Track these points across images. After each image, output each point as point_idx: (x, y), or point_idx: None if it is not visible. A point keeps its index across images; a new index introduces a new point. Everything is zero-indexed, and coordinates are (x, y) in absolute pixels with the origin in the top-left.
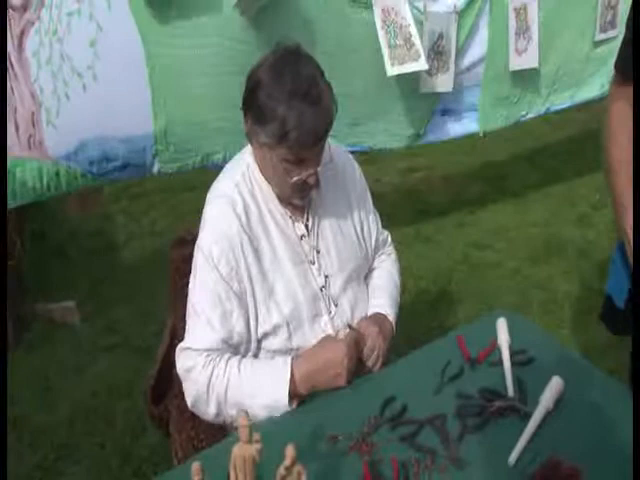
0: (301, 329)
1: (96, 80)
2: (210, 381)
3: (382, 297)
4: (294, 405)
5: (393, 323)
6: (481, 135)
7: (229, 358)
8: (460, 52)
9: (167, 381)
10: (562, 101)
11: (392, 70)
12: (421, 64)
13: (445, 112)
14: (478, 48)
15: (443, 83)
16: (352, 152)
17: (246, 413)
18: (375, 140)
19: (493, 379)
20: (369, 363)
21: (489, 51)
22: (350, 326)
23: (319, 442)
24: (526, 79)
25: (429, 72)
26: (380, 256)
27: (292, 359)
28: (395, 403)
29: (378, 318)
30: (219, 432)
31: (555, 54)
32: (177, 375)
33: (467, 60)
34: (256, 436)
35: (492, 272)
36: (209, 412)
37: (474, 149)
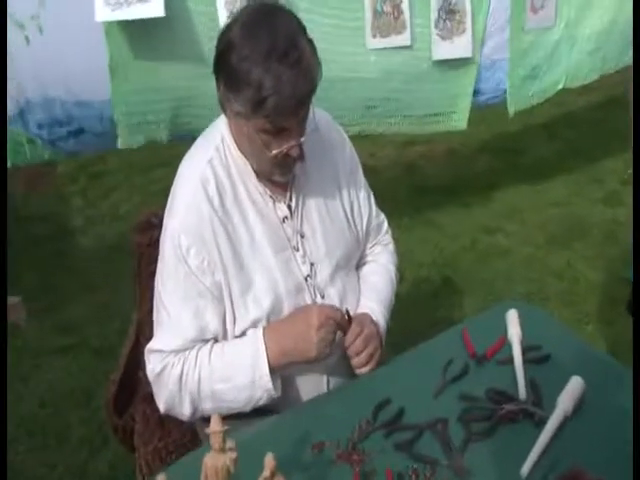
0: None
1: (42, 32)
2: (181, 379)
3: (374, 301)
4: (277, 385)
5: (383, 334)
6: (511, 115)
7: (199, 349)
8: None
9: (132, 387)
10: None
11: (372, 43)
12: (404, 38)
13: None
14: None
15: (460, 47)
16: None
17: (219, 417)
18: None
19: (502, 379)
20: (359, 362)
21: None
22: (347, 310)
23: (303, 450)
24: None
25: (441, 35)
26: (375, 247)
27: (263, 330)
28: (390, 406)
29: (373, 320)
30: (192, 442)
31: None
32: (143, 378)
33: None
34: (230, 443)
35: (503, 259)
36: (185, 412)
37: (483, 119)
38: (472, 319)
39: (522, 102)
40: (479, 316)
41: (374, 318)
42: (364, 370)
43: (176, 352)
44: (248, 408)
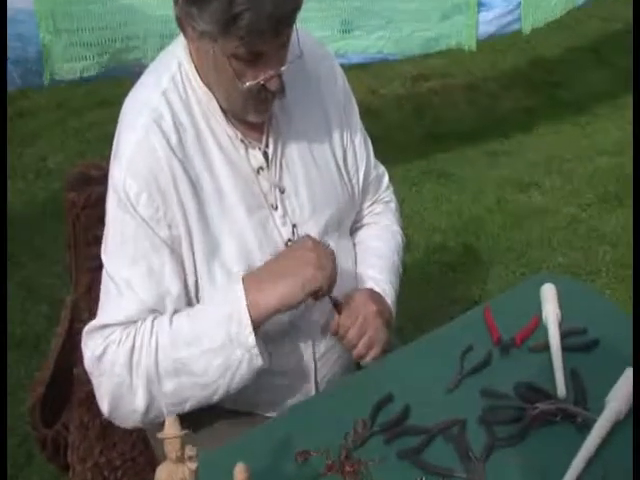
0: None
1: None
2: (132, 355)
3: (377, 268)
4: (262, 348)
5: (392, 309)
6: (525, 33)
7: (155, 318)
8: None
9: (65, 388)
10: None
11: None
12: None
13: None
14: None
15: None
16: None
17: (176, 418)
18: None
19: (535, 370)
20: (357, 351)
21: None
22: (335, 301)
23: (283, 461)
24: None
25: None
26: (374, 205)
27: (243, 276)
28: (392, 404)
29: (375, 295)
30: (143, 455)
31: None
32: (79, 377)
33: None
34: (190, 451)
35: (539, 222)
36: (138, 404)
37: (512, 44)
38: (498, 297)
39: (541, 14)
40: (506, 293)
41: (378, 289)
42: (368, 359)
43: (125, 325)
44: (224, 388)
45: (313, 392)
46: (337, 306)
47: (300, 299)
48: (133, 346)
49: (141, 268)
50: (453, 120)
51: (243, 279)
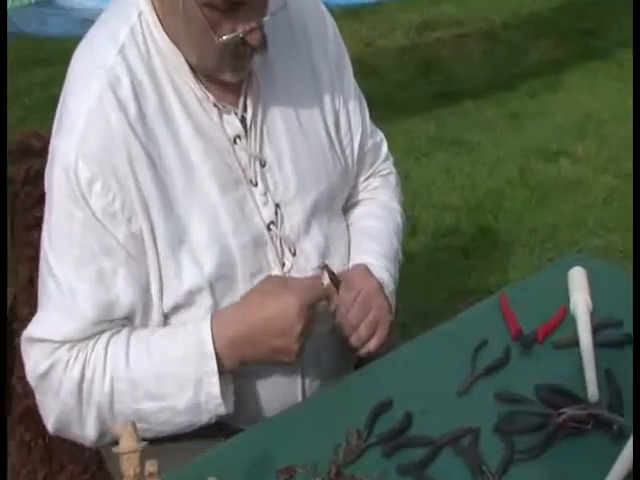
0: (234, 294)
1: None
2: (81, 386)
3: (372, 253)
4: (230, 399)
5: (392, 298)
6: None
7: (109, 340)
8: None
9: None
10: None
11: None
12: None
13: None
14: None
15: None
16: None
17: (133, 424)
18: None
19: (562, 370)
20: (360, 335)
21: None
22: (326, 267)
23: (264, 477)
24: None
25: None
26: (371, 179)
27: (211, 316)
28: (392, 411)
29: (369, 277)
30: (95, 477)
31: None
32: (19, 387)
33: None
34: (150, 467)
35: (569, 196)
36: (88, 435)
37: None
38: (517, 283)
39: None
40: (527, 278)
41: (376, 276)
42: (371, 347)
43: (71, 343)
44: (189, 430)
45: (299, 398)
46: (334, 278)
47: (291, 361)
48: (82, 376)
49: (89, 273)
50: (467, 77)
51: (214, 336)
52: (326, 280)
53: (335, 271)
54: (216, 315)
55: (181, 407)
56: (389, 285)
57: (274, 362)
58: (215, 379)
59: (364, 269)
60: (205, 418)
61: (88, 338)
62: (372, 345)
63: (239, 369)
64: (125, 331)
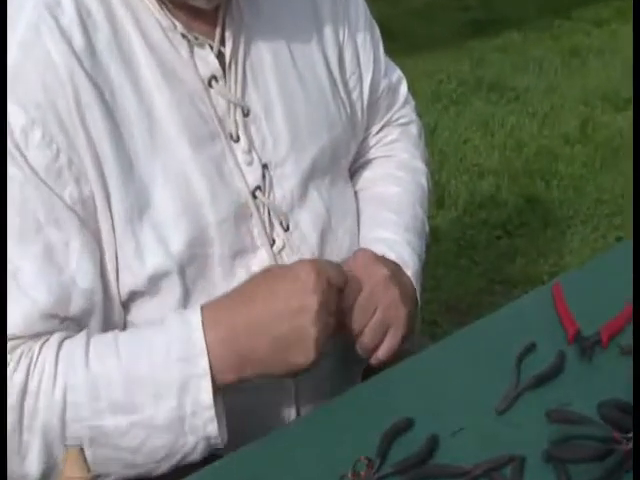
0: (209, 280)
1: None
2: (24, 400)
3: (391, 226)
4: (223, 423)
5: (416, 281)
6: None
7: (63, 339)
8: None
9: None
10: None
11: None
12: None
13: None
14: None
15: None
16: None
17: (81, 449)
18: None
19: (630, 383)
20: (364, 343)
21: None
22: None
23: None
24: None
25: None
26: (386, 130)
27: (202, 309)
28: (413, 433)
29: (383, 258)
30: None
31: None
32: None
33: None
34: None
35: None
36: (29, 470)
37: None
38: (574, 272)
39: None
40: (587, 265)
41: (392, 255)
42: (381, 355)
43: (14, 341)
44: (164, 469)
45: (293, 416)
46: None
47: (307, 363)
48: (26, 387)
49: (34, 249)
50: (511, 0)
51: (204, 316)
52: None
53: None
54: (207, 304)
55: (159, 421)
56: (412, 264)
57: (285, 367)
58: (206, 383)
59: (369, 256)
60: (190, 441)
61: (35, 337)
62: (382, 353)
63: (235, 380)
64: (83, 333)
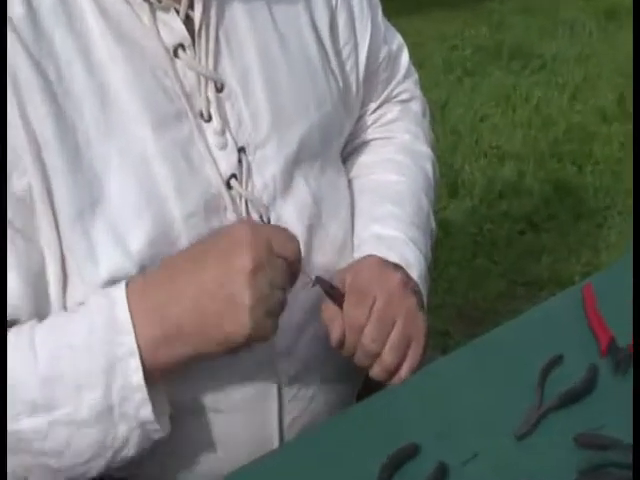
0: None
1: None
2: None
3: (390, 221)
4: (164, 410)
5: (423, 286)
6: None
7: None
8: None
9: None
10: None
11: None
12: None
13: None
14: None
15: None
16: None
17: None
18: None
19: None
20: (385, 363)
21: None
22: (319, 281)
23: None
24: None
25: None
26: (384, 107)
27: (127, 284)
28: (419, 460)
29: (397, 267)
30: None
31: None
32: None
33: None
34: None
35: None
36: None
37: None
38: (609, 270)
39: None
40: (623, 264)
41: (394, 256)
42: (404, 374)
43: None
44: (96, 470)
45: (275, 441)
46: (333, 293)
47: (242, 336)
48: None
49: None
50: None
51: (129, 291)
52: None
53: (329, 271)
54: (133, 278)
55: (83, 415)
56: (418, 266)
57: (218, 341)
58: (134, 362)
59: (376, 261)
60: (122, 431)
61: None
62: (406, 372)
63: (169, 361)
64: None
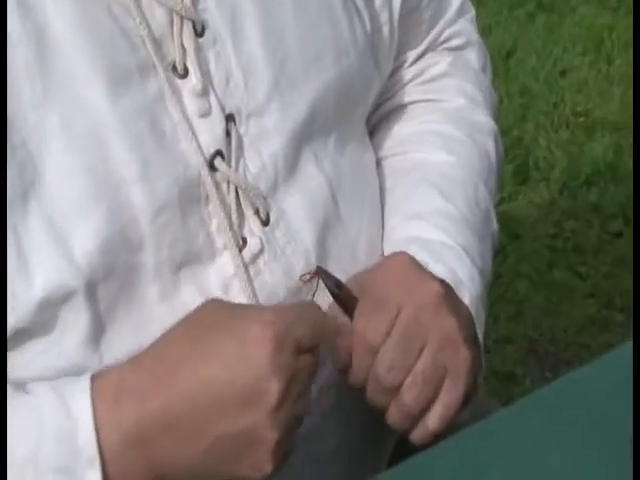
0: (137, 304)
1: None
2: None
3: (437, 217)
4: None
5: (476, 311)
6: None
7: None
8: None
9: None
10: None
11: None
12: None
13: None
14: None
15: None
16: None
17: None
18: None
19: None
20: (404, 403)
21: None
22: (322, 272)
23: None
24: None
25: None
26: (428, 57)
27: (92, 381)
28: None
29: (418, 277)
30: None
31: None
32: None
33: None
34: None
35: None
36: None
37: None
38: None
39: None
40: None
41: (439, 270)
42: (432, 425)
43: None
44: None
45: None
46: (340, 294)
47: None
48: None
49: None
50: None
51: (95, 409)
52: (323, 301)
53: (344, 278)
54: (101, 375)
55: None
56: (470, 284)
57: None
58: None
59: (407, 262)
60: None
61: None
62: (434, 421)
63: None
64: None
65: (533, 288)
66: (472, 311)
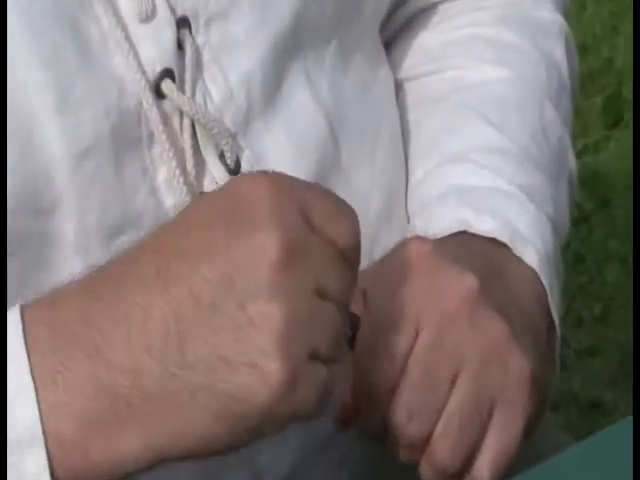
0: (54, 278)
1: None
2: None
3: (490, 158)
4: None
5: (545, 273)
6: None
7: None
8: None
9: None
10: None
11: None
12: None
13: None
14: None
15: None
16: None
17: None
18: None
19: None
20: (437, 456)
21: None
22: None
23: None
24: None
25: None
26: None
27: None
28: None
29: (475, 260)
30: None
31: None
32: None
33: None
34: None
35: None
36: None
37: None
38: None
39: None
40: None
41: (495, 227)
42: (480, 476)
43: None
44: None
45: None
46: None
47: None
48: None
49: None
50: None
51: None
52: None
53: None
54: (35, 304)
55: None
56: (537, 240)
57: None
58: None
59: (425, 254)
60: None
61: None
62: (480, 474)
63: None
64: None
65: (625, 276)
66: (542, 278)
